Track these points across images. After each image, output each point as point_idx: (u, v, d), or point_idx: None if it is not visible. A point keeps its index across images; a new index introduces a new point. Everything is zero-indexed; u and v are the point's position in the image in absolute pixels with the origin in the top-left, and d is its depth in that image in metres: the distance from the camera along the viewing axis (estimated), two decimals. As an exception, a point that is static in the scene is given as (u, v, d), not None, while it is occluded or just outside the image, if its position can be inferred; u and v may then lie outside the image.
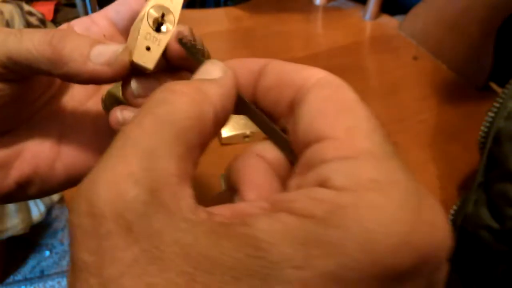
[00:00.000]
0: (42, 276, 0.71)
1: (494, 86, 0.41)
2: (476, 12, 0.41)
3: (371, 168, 0.09)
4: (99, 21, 0.17)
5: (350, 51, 0.48)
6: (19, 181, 0.15)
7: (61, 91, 0.17)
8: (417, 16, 0.48)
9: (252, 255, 0.07)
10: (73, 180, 0.16)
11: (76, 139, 0.16)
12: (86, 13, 0.81)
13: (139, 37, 0.14)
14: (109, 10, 0.17)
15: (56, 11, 1.11)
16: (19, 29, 0.14)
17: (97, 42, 0.13)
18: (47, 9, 1.06)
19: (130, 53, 0.14)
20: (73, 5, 1.09)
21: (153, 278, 0.07)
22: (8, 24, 0.66)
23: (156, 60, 0.14)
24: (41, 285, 0.70)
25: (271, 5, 0.55)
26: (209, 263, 0.07)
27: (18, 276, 0.71)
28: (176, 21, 0.15)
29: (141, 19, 0.14)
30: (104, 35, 0.16)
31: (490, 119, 0.27)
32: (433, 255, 0.08)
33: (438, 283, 0.09)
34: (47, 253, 0.74)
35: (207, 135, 0.10)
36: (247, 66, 0.12)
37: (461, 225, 0.28)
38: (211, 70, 0.11)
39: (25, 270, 0.72)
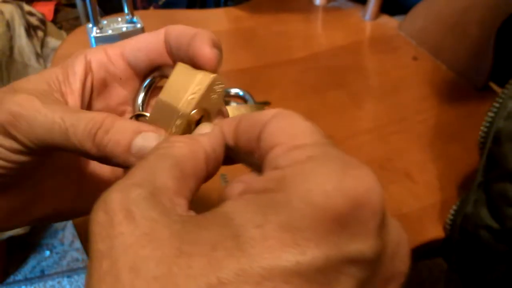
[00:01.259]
0: (43, 276, 0.71)
1: (494, 86, 0.41)
2: (476, 12, 0.41)
3: (308, 150, 0.11)
4: (116, 60, 0.16)
5: (350, 51, 0.48)
6: (40, 218, 0.16)
7: None
8: (417, 16, 0.48)
9: (224, 224, 0.09)
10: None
11: (97, 183, 0.17)
12: (86, 14, 0.81)
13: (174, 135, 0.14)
14: (126, 50, 0.16)
15: (56, 11, 1.11)
16: (62, 114, 0.14)
17: (137, 132, 0.14)
18: (47, 9, 1.06)
19: None
20: (73, 5, 1.09)
21: (148, 252, 0.09)
22: (8, 24, 0.66)
23: None
24: (41, 285, 0.70)
25: (271, 6, 0.55)
26: (193, 237, 0.09)
27: (19, 276, 0.71)
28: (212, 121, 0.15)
29: (180, 116, 0.14)
30: (121, 78, 0.16)
31: (490, 119, 0.27)
32: (365, 198, 0.10)
33: (387, 239, 0.11)
34: (47, 253, 0.75)
35: (200, 170, 0.12)
36: (230, 123, 0.14)
37: (461, 225, 0.28)
38: (202, 129, 0.14)
39: (26, 270, 0.72)
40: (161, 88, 0.15)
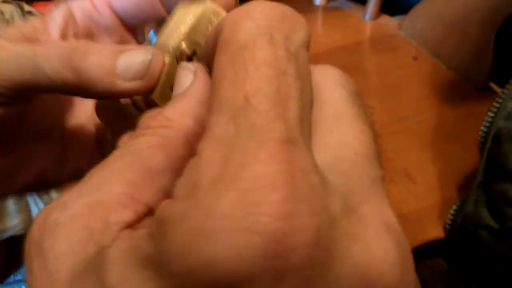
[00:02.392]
0: (43, 276, 0.71)
1: (494, 86, 0.41)
2: (476, 12, 0.41)
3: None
4: (101, 8, 0.14)
5: (350, 51, 0.48)
6: (25, 186, 0.15)
7: (65, 102, 0.16)
8: (417, 17, 0.48)
9: (95, 282, 0.07)
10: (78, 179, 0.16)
11: (80, 146, 0.16)
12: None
13: (163, 75, 0.12)
14: (116, 2, 0.14)
15: (57, 11, 1.11)
16: (30, 46, 0.12)
17: (119, 51, 0.12)
18: (48, 10, 1.06)
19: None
20: (73, 5, 1.08)
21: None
22: (8, 24, 0.66)
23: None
24: (41, 285, 0.70)
25: (271, 5, 0.55)
26: None
27: (18, 276, 0.71)
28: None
29: (169, 50, 0.12)
30: (108, 28, 0.15)
31: (489, 119, 0.27)
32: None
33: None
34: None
35: (178, 157, 0.09)
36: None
37: (461, 225, 0.28)
38: (182, 79, 0.11)
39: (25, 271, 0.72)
40: None
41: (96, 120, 0.16)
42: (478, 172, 0.28)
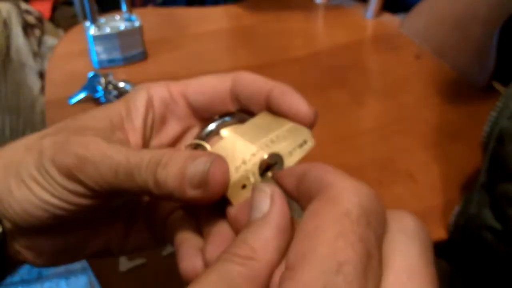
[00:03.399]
0: (40, 277, 0.71)
1: (497, 85, 0.41)
2: (479, 11, 0.40)
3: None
4: (177, 99, 0.16)
5: (352, 50, 0.47)
6: (91, 254, 0.16)
7: None
8: (419, 15, 0.48)
9: None
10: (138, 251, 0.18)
11: (144, 218, 0.17)
12: (84, 12, 0.81)
13: (239, 176, 0.13)
14: (189, 90, 0.16)
15: (54, 9, 1.10)
16: (126, 154, 0.13)
17: (191, 158, 0.13)
18: (45, 8, 1.05)
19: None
20: (71, 4, 1.08)
21: None
22: (5, 23, 0.66)
23: (243, 199, 0.13)
24: (38, 286, 0.69)
25: (271, 3, 0.54)
26: None
27: (16, 278, 0.70)
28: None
29: (251, 154, 0.13)
30: (179, 117, 0.16)
31: (493, 119, 0.27)
32: None
33: None
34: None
35: (263, 286, 0.11)
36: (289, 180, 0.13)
37: (464, 225, 0.28)
38: (259, 202, 0.12)
39: (23, 272, 0.71)
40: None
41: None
42: (481, 172, 0.28)
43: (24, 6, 0.73)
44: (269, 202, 0.11)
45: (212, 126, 0.16)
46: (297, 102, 0.14)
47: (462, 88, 0.42)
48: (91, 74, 0.38)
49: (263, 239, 0.11)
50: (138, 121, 0.15)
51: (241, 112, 0.16)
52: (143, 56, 0.44)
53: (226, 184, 0.13)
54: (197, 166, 0.12)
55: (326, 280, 0.09)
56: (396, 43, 0.48)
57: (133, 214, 0.17)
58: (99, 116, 0.15)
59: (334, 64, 0.45)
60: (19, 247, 0.15)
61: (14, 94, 0.66)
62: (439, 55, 0.46)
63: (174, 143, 0.17)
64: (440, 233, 0.29)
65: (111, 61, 0.42)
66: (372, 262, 0.09)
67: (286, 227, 0.11)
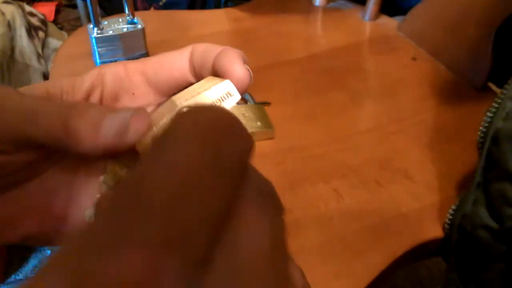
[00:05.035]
0: (43, 275, 0.71)
1: (492, 86, 0.42)
2: (475, 13, 0.41)
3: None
4: (134, 75, 0.16)
5: (350, 52, 0.48)
6: (23, 238, 0.15)
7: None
8: (416, 17, 0.49)
9: None
10: None
11: (82, 203, 0.16)
12: (87, 14, 0.81)
13: (156, 130, 0.13)
14: (148, 67, 0.16)
15: (57, 11, 1.11)
16: (40, 101, 0.13)
17: (108, 112, 0.12)
18: (48, 10, 1.06)
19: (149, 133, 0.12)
20: (74, 6, 1.09)
21: None
22: (9, 25, 0.67)
23: None
24: (42, 284, 0.70)
25: (271, 6, 0.55)
26: None
27: (20, 275, 0.71)
28: None
29: (173, 109, 0.13)
30: (134, 93, 0.16)
31: (488, 119, 0.28)
32: None
33: None
34: (49, 252, 0.75)
35: None
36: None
37: (460, 224, 0.28)
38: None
39: (27, 269, 0.72)
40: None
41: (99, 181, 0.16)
42: (477, 172, 0.28)
43: (28, 8, 0.74)
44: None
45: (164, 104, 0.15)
46: (231, 64, 0.14)
47: (458, 89, 0.43)
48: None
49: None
50: (79, 94, 0.15)
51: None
52: (145, 58, 0.44)
53: (143, 133, 0.12)
54: (117, 115, 0.12)
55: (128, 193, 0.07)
56: (393, 45, 0.49)
57: (74, 193, 0.15)
58: (38, 86, 0.14)
59: (333, 65, 0.46)
60: None
61: (18, 95, 0.67)
62: (435, 57, 0.46)
63: None
64: (437, 232, 0.30)
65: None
66: (204, 178, 0.07)
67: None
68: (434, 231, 0.30)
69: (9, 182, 0.14)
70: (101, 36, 0.41)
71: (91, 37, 0.41)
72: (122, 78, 0.15)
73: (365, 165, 0.34)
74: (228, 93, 0.13)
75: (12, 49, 0.67)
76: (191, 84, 0.15)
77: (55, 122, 0.12)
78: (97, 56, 0.42)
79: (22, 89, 0.14)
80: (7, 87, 0.13)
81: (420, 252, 0.29)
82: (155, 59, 0.16)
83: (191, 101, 0.13)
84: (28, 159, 0.14)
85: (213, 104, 0.13)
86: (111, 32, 0.42)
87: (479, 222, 0.27)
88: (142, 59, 0.16)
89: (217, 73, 0.14)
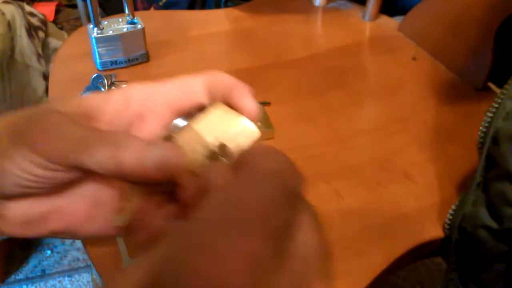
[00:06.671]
0: (44, 275, 0.71)
1: (492, 86, 0.42)
2: (475, 13, 0.41)
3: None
4: (156, 97, 0.17)
5: (350, 52, 0.48)
6: (50, 232, 0.17)
7: None
8: (416, 17, 0.49)
9: None
10: (99, 237, 0.18)
11: (106, 204, 0.18)
12: (87, 14, 0.81)
13: (192, 164, 0.15)
14: (168, 90, 0.18)
15: (57, 11, 1.11)
16: (89, 132, 0.15)
17: (147, 146, 0.14)
18: (48, 10, 1.06)
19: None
20: (74, 6, 1.09)
21: None
22: (9, 25, 0.67)
23: None
24: (42, 284, 0.70)
25: (271, 6, 0.55)
26: None
27: (20, 276, 0.71)
28: (233, 157, 0.16)
29: (203, 146, 0.15)
30: (156, 114, 0.17)
31: (488, 119, 0.28)
32: None
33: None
34: (48, 252, 0.75)
35: None
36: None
37: (460, 224, 0.28)
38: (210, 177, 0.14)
39: (27, 270, 0.72)
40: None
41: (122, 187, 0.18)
42: (477, 172, 0.28)
43: (28, 8, 0.74)
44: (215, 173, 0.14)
45: (180, 123, 0.17)
46: (244, 101, 0.17)
47: (458, 89, 0.43)
48: (94, 75, 0.39)
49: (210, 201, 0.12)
50: (111, 114, 0.17)
51: (210, 105, 0.18)
52: (145, 58, 0.44)
53: (182, 169, 0.14)
54: (158, 150, 0.14)
55: (223, 213, 0.10)
56: (393, 45, 0.49)
57: (98, 198, 0.18)
58: (72, 103, 0.16)
59: (333, 65, 0.46)
60: None
61: (18, 95, 0.67)
62: (435, 57, 0.46)
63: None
64: (437, 232, 0.30)
65: (113, 62, 0.43)
66: (277, 205, 0.11)
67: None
68: (434, 231, 0.30)
69: (50, 191, 0.16)
70: (101, 36, 0.41)
71: (91, 37, 0.41)
72: (146, 100, 0.17)
73: (365, 165, 0.34)
74: (252, 131, 0.16)
75: (12, 49, 0.67)
76: (203, 105, 0.17)
77: (105, 154, 0.14)
78: (97, 56, 0.42)
79: (59, 103, 0.16)
80: (57, 112, 0.15)
81: (420, 252, 0.29)
82: (175, 83, 0.18)
83: (223, 140, 0.16)
84: (72, 176, 0.16)
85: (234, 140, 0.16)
86: (111, 32, 0.42)
87: (479, 222, 0.27)
88: (162, 82, 0.18)
89: (228, 103, 0.17)
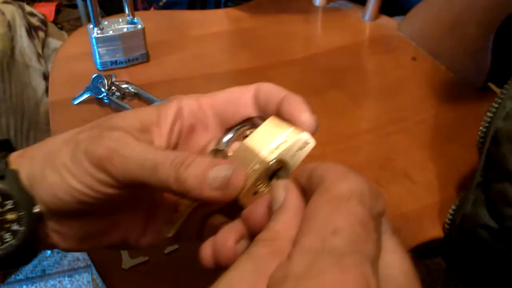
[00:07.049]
0: (44, 275, 0.71)
1: (492, 86, 0.42)
2: (475, 13, 0.41)
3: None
4: (206, 109, 0.18)
5: (350, 52, 0.48)
6: (106, 246, 0.18)
7: None
8: (416, 17, 0.49)
9: None
10: (151, 247, 0.19)
11: (162, 215, 0.18)
12: (87, 14, 0.82)
13: (251, 182, 0.15)
14: (217, 102, 0.18)
15: (57, 11, 1.11)
16: (154, 151, 0.15)
17: (213, 164, 0.15)
18: (48, 10, 1.06)
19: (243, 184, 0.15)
20: (74, 6, 1.09)
21: None
22: (9, 25, 0.67)
23: (253, 202, 0.15)
24: (42, 284, 0.70)
25: (271, 6, 0.55)
26: None
27: (20, 276, 0.71)
28: (290, 175, 0.16)
29: (260, 162, 0.15)
30: (207, 126, 0.18)
31: (488, 119, 0.28)
32: None
33: None
34: (49, 252, 0.75)
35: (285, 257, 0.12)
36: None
37: (460, 224, 0.28)
38: (277, 196, 0.14)
39: (27, 269, 0.72)
40: (244, 137, 0.17)
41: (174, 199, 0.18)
42: (477, 172, 0.28)
43: (28, 8, 0.74)
44: (284, 193, 0.14)
45: (229, 135, 0.18)
46: (299, 112, 0.16)
47: (458, 89, 0.43)
48: (94, 75, 0.39)
49: (283, 222, 0.13)
50: (165, 127, 0.17)
51: (257, 117, 0.18)
52: (146, 58, 0.44)
53: (242, 189, 0.15)
54: (220, 171, 0.14)
55: (324, 242, 0.11)
56: (393, 45, 0.49)
57: (153, 211, 0.18)
58: (130, 117, 0.17)
59: (333, 65, 0.46)
60: (48, 230, 0.17)
61: (18, 95, 0.67)
62: (435, 57, 0.46)
63: (202, 152, 0.18)
64: (437, 232, 0.30)
65: (113, 62, 0.43)
66: (367, 228, 0.11)
67: (301, 209, 0.13)
68: (434, 231, 0.30)
69: (109, 207, 0.16)
70: (101, 36, 0.41)
71: (91, 37, 0.41)
72: (197, 112, 0.18)
73: (365, 165, 0.34)
74: (305, 142, 0.16)
75: (12, 49, 0.67)
76: (251, 117, 0.18)
77: (169, 173, 0.14)
78: (97, 56, 0.42)
79: (120, 118, 0.16)
80: (119, 128, 0.15)
81: (420, 252, 0.29)
82: (224, 95, 0.18)
83: (279, 154, 0.16)
84: (133, 193, 0.16)
85: (293, 155, 0.16)
86: (111, 32, 0.42)
87: (479, 222, 0.27)
88: (211, 94, 0.18)
89: (282, 116, 0.17)
